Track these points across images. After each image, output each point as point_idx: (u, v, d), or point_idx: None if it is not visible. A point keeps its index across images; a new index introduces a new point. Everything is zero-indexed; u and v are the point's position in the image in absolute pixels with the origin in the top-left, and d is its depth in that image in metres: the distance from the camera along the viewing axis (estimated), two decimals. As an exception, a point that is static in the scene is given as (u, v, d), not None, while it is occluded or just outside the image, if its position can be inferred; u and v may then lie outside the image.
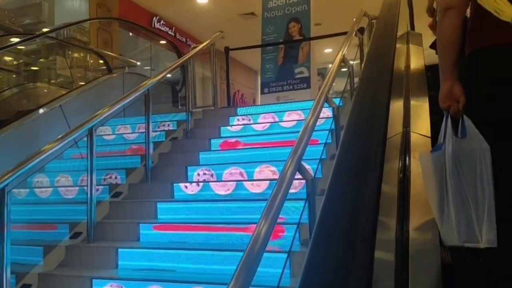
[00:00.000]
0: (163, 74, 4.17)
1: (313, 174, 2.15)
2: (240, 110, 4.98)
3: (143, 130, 4.44)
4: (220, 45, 11.62)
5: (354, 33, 4.13)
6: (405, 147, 1.63)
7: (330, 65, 3.37)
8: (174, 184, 3.58)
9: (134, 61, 6.86)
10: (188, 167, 3.86)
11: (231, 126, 4.61)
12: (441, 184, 1.35)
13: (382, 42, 1.97)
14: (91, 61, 6.19)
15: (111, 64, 7.19)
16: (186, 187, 3.53)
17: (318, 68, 15.29)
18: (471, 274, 1.39)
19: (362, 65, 1.70)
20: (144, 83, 3.86)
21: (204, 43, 5.19)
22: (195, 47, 5.29)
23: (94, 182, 3.15)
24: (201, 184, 3.54)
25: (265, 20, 5.61)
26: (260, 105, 5.21)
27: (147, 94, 3.91)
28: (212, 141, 4.33)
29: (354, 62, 3.73)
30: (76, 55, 6.14)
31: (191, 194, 3.48)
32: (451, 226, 1.31)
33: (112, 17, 7.01)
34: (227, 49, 5.55)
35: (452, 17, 1.35)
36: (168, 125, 4.99)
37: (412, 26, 4.24)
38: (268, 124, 4.43)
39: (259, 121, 4.63)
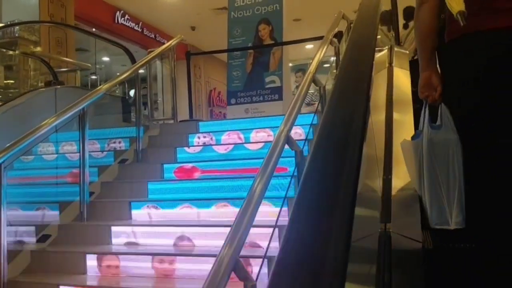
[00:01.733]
0: (106, 86, 3.50)
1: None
2: (202, 126, 4.35)
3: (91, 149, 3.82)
4: (192, 40, 10.93)
5: (330, 40, 3.52)
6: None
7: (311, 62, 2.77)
8: (112, 228, 2.96)
9: (88, 64, 6.12)
10: (132, 203, 3.24)
11: (189, 147, 3.98)
12: (419, 170, 1.42)
13: (352, 75, 1.38)
14: (36, 66, 5.42)
15: (66, 66, 6.46)
16: (128, 235, 2.91)
17: (299, 64, 14.72)
18: (451, 258, 1.42)
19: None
20: (75, 102, 3.19)
21: (161, 48, 4.52)
22: (151, 51, 4.61)
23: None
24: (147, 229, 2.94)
25: (232, 21, 4.95)
26: (225, 119, 4.57)
27: (82, 114, 3.25)
28: (166, 166, 3.71)
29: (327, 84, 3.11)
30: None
31: (132, 243, 2.86)
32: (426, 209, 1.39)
33: (49, 22, 6.16)
34: (188, 54, 4.89)
35: (427, 9, 1.40)
36: (120, 142, 4.34)
37: (397, 39, 3.67)
38: (232, 146, 3.81)
39: (222, 139, 4.01)
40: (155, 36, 9.72)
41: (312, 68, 2.68)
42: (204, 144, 3.94)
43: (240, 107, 4.69)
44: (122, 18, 8.53)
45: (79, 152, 3.23)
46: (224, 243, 1.35)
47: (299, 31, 10.82)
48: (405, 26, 4.09)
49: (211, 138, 4.10)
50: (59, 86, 4.02)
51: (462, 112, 1.36)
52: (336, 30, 4.07)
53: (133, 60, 5.27)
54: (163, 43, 10.29)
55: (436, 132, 1.38)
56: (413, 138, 1.50)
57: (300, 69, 15.46)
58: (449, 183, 1.35)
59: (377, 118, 1.81)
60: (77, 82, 6.00)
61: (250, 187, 1.61)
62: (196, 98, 11.53)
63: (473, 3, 1.27)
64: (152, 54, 4.42)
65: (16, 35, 6.12)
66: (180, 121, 4.62)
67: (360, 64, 1.36)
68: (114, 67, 13.61)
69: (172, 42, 4.70)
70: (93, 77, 15.02)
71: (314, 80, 2.57)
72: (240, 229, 1.31)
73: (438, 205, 1.36)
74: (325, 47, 3.43)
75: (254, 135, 3.94)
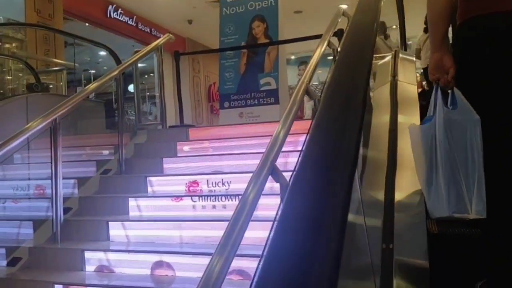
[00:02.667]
0: (80, 96, 3.18)
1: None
2: (192, 133, 4.04)
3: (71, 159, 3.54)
4: (190, 33, 10.56)
5: (327, 42, 3.18)
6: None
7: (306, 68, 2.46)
8: (86, 254, 2.68)
9: (72, 63, 5.81)
10: (110, 223, 2.96)
11: (177, 156, 3.69)
12: (431, 156, 1.35)
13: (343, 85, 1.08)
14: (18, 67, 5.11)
15: (52, 66, 6.17)
16: (101, 261, 2.63)
17: (301, 56, 14.32)
18: (457, 244, 1.39)
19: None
20: (47, 113, 2.89)
21: (146, 49, 4.20)
22: (137, 52, 4.29)
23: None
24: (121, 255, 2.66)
25: (224, 18, 4.61)
26: (217, 125, 4.25)
27: (55, 125, 2.96)
28: (150, 179, 3.42)
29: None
30: None
31: (107, 271, 2.58)
32: (440, 197, 1.31)
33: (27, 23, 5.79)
34: (177, 55, 4.56)
35: None
36: (102, 150, 4.06)
37: (404, 43, 3.32)
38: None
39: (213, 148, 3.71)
40: (150, 31, 9.39)
41: (305, 77, 2.35)
42: (192, 155, 3.64)
43: (233, 111, 4.38)
44: (115, 13, 8.20)
45: (51, 168, 2.93)
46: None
47: (300, 24, 10.46)
48: (426, 30, 3.75)
49: (202, 147, 3.81)
50: (31, 94, 3.72)
51: (475, 100, 1.30)
52: (336, 28, 3.73)
53: (117, 61, 4.95)
54: (159, 37, 10.00)
55: (453, 113, 1.32)
56: (422, 123, 1.44)
57: (303, 61, 15.05)
58: (468, 167, 1.27)
59: (379, 148, 1.50)
60: (63, 82, 5.70)
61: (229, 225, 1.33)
62: (195, 93, 11.21)
63: None
64: (137, 56, 4.11)
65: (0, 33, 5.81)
66: (170, 127, 4.32)
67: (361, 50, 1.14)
68: (112, 60, 13.31)
69: (160, 41, 4.38)
70: (92, 71, 14.77)
71: (308, 92, 2.22)
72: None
73: (456, 191, 1.28)
74: (322, 48, 3.10)
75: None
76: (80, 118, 4.02)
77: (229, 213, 1.83)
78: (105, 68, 14.03)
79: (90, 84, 3.29)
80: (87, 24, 8.55)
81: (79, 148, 4.11)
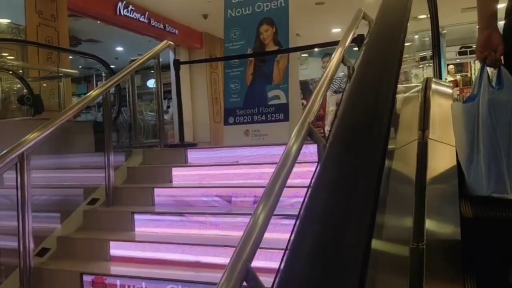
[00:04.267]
0: (57, 121, 2.75)
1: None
2: (191, 156, 3.58)
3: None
4: (207, 27, 10.05)
5: (342, 53, 2.62)
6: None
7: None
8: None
9: (74, 71, 5.43)
10: (85, 276, 2.56)
11: (171, 187, 3.25)
12: (472, 134, 1.33)
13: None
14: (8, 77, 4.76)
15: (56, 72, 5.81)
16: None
17: (325, 48, 13.57)
18: (492, 228, 1.30)
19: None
20: (11, 148, 2.48)
21: (141, 59, 3.73)
22: (134, 61, 3.84)
23: None
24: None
25: (229, 21, 4.06)
26: (220, 148, 3.76)
27: (22, 160, 2.55)
28: (137, 217, 3.00)
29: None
30: None
31: None
32: (480, 176, 1.29)
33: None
34: (177, 63, 4.07)
35: None
36: (91, 175, 3.66)
37: (439, 71, 2.73)
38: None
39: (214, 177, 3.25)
40: (164, 27, 8.92)
41: (309, 113, 1.82)
42: (186, 186, 3.18)
43: (239, 128, 3.87)
44: (125, 10, 7.76)
45: (17, 213, 2.53)
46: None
47: (323, 16, 9.78)
48: None
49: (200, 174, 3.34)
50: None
51: None
52: (355, 33, 3.14)
53: (110, 71, 4.52)
54: (174, 33, 9.53)
55: (498, 93, 1.29)
56: (465, 102, 1.42)
57: (327, 53, 14.31)
58: (510, 147, 1.26)
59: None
60: (68, 90, 5.35)
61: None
62: (213, 90, 10.73)
63: None
64: (130, 67, 3.65)
65: (-3, 38, 5.49)
66: (168, 146, 3.86)
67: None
68: (130, 56, 13.03)
69: (157, 49, 3.90)
70: (112, 66, 14.56)
71: (310, 134, 1.74)
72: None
73: (496, 171, 1.27)
74: (336, 59, 2.56)
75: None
76: (67, 139, 3.62)
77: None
78: (123, 62, 13.81)
79: (66, 109, 2.85)
80: (98, 22, 8.18)
81: (67, 170, 3.73)
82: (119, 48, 12.03)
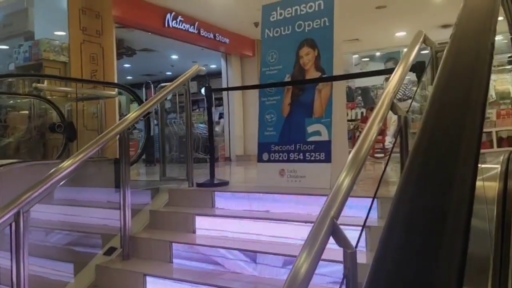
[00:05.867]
0: (53, 180, 2.43)
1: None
2: (219, 200, 3.16)
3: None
4: (257, 35, 9.65)
5: (391, 98, 2.04)
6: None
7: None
8: None
9: (112, 93, 5.23)
10: None
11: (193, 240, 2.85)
12: None
13: None
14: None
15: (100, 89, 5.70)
16: None
17: (388, 52, 12.62)
18: None
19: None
20: (6, 205, 2.20)
21: (169, 87, 3.36)
22: (163, 87, 3.50)
23: None
24: None
25: (266, 43, 3.55)
26: (251, 192, 3.29)
27: (17, 220, 2.26)
28: (149, 279, 2.63)
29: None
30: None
31: None
32: None
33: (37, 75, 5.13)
34: (207, 89, 3.65)
35: None
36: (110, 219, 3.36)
37: None
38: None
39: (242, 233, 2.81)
40: (214, 36, 8.62)
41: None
42: (209, 244, 2.74)
43: (273, 166, 3.37)
44: (174, 21, 7.54)
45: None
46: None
47: (386, 19, 8.95)
48: None
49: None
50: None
51: None
52: (414, 59, 2.52)
53: (139, 101, 4.22)
54: (225, 43, 9.22)
55: None
56: None
57: (391, 57, 13.30)
58: None
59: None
60: (111, 110, 5.17)
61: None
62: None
63: None
64: (157, 97, 3.30)
65: (41, 56, 5.45)
66: (199, 185, 3.46)
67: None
68: (185, 63, 13.00)
69: (187, 75, 3.52)
70: (169, 73, 14.71)
71: (335, 233, 1.25)
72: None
73: None
74: (388, 102, 2.00)
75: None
76: (85, 175, 3.35)
77: None
78: (179, 70, 13.82)
79: (69, 159, 2.53)
80: (149, 33, 8.06)
81: (85, 208, 3.47)
82: (174, 56, 12.01)
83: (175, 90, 3.53)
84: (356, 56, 12.74)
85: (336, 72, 3.17)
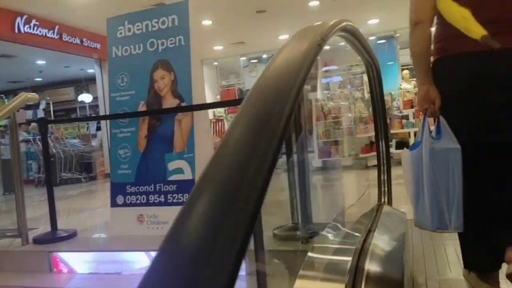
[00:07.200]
0: None
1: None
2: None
3: None
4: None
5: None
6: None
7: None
8: None
9: None
10: None
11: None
12: (418, 177, 1.54)
13: None
14: None
15: None
16: None
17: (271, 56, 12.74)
18: None
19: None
20: None
21: None
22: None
23: None
24: None
25: (115, 63, 2.94)
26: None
27: None
28: None
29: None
30: None
31: None
32: (425, 214, 1.52)
33: None
34: (43, 122, 2.95)
35: (421, 29, 1.49)
36: None
37: (389, 191, 1.99)
38: None
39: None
40: (81, 41, 7.66)
41: None
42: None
43: (130, 211, 2.82)
44: (27, 25, 6.46)
45: None
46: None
47: (268, 23, 8.85)
48: None
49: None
50: None
51: (450, 124, 1.47)
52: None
53: None
54: (96, 48, 8.28)
55: (437, 142, 1.49)
56: (411, 149, 1.61)
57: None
58: (449, 191, 1.45)
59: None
60: None
61: None
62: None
63: (455, 28, 1.36)
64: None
65: None
66: (36, 241, 2.76)
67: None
68: (56, 69, 11.61)
69: (9, 108, 2.78)
70: (38, 79, 13.06)
71: None
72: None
73: (438, 210, 1.48)
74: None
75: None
76: None
77: None
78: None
79: None
80: (-1, 39, 6.83)
81: None
82: (41, 62, 10.58)
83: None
84: (244, 58, 12.63)
85: (197, 99, 2.72)
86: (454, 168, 1.43)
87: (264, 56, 12.27)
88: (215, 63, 12.81)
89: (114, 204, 2.88)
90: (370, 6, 8.15)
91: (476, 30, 1.30)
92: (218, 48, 11.26)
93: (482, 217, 1.48)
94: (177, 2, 2.80)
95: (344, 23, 1.06)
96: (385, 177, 1.95)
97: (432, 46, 1.52)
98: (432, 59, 1.52)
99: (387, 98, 9.80)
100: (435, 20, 1.52)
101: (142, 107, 2.88)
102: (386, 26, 10.21)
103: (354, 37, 1.31)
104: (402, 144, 6.52)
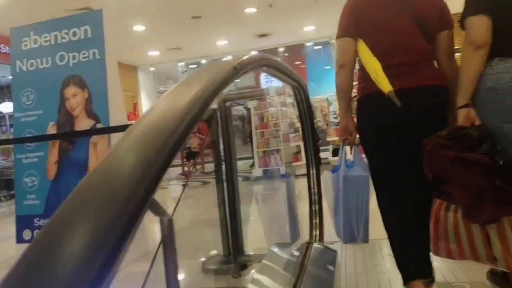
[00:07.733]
0: None
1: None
2: None
3: None
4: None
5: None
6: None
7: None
8: None
9: None
10: None
11: None
12: (336, 196, 1.83)
13: None
14: None
15: None
16: None
17: (214, 59, 12.47)
18: None
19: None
20: None
21: None
22: None
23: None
24: None
25: (18, 78, 2.60)
26: None
27: None
28: None
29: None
30: None
31: None
32: (340, 227, 1.83)
33: None
34: None
35: (344, 71, 1.74)
36: None
37: (321, 223, 1.99)
38: None
39: None
40: (-2, 47, 6.97)
41: None
42: None
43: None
44: None
45: None
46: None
47: (204, 29, 8.61)
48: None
49: None
50: None
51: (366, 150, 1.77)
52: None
53: None
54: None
55: (350, 170, 1.79)
56: (333, 171, 1.87)
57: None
58: (358, 208, 1.77)
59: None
60: None
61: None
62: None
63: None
64: None
65: None
66: None
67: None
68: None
69: None
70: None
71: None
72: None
73: (349, 226, 1.78)
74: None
75: None
76: None
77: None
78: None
79: None
80: None
81: None
82: None
83: None
84: (182, 63, 12.29)
85: (115, 119, 2.45)
86: (363, 193, 1.76)
87: (203, 61, 12.00)
88: (152, 69, 12.36)
89: (20, 239, 2.52)
90: (306, 13, 8.19)
91: (384, 85, 1.57)
92: (154, 53, 10.83)
93: (394, 227, 1.71)
94: (91, 12, 2.51)
95: (262, 61, 0.95)
96: (317, 208, 1.82)
97: (358, 85, 1.77)
98: (358, 96, 1.77)
99: (323, 104, 9.97)
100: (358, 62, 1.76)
101: (51, 129, 2.54)
102: (322, 32, 10.35)
103: (274, 69, 1.16)
104: (338, 151, 6.57)
